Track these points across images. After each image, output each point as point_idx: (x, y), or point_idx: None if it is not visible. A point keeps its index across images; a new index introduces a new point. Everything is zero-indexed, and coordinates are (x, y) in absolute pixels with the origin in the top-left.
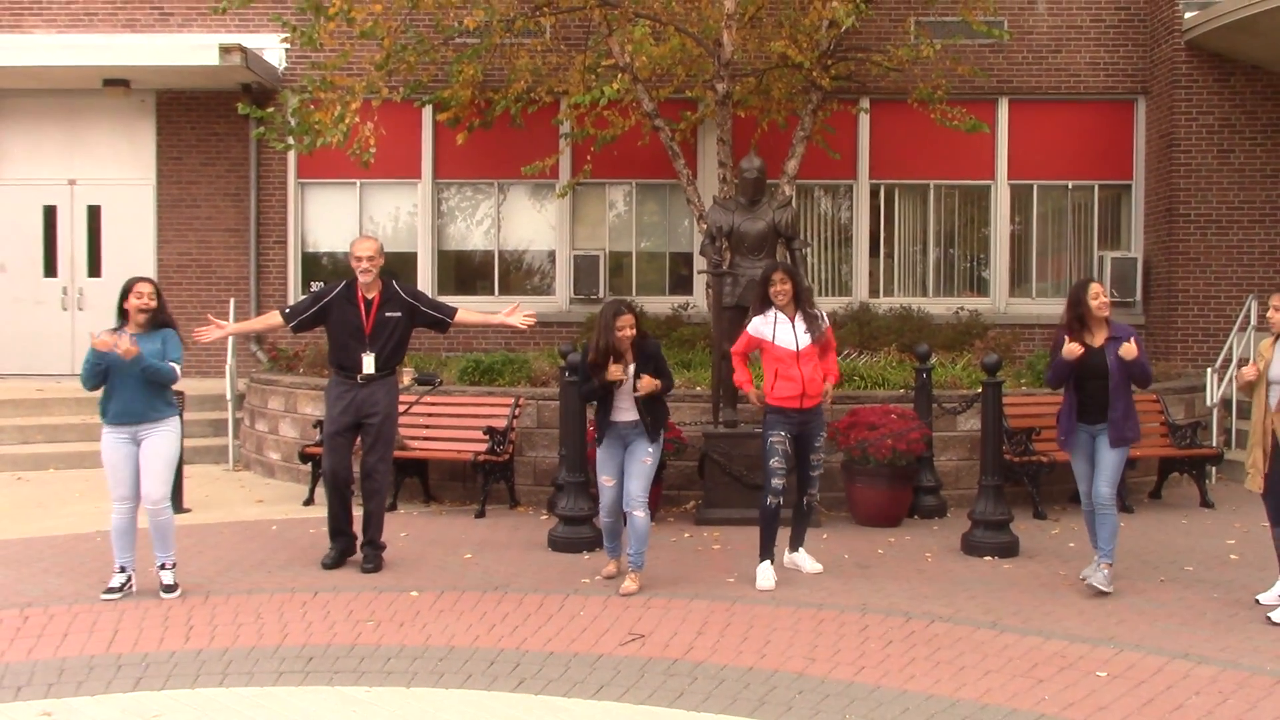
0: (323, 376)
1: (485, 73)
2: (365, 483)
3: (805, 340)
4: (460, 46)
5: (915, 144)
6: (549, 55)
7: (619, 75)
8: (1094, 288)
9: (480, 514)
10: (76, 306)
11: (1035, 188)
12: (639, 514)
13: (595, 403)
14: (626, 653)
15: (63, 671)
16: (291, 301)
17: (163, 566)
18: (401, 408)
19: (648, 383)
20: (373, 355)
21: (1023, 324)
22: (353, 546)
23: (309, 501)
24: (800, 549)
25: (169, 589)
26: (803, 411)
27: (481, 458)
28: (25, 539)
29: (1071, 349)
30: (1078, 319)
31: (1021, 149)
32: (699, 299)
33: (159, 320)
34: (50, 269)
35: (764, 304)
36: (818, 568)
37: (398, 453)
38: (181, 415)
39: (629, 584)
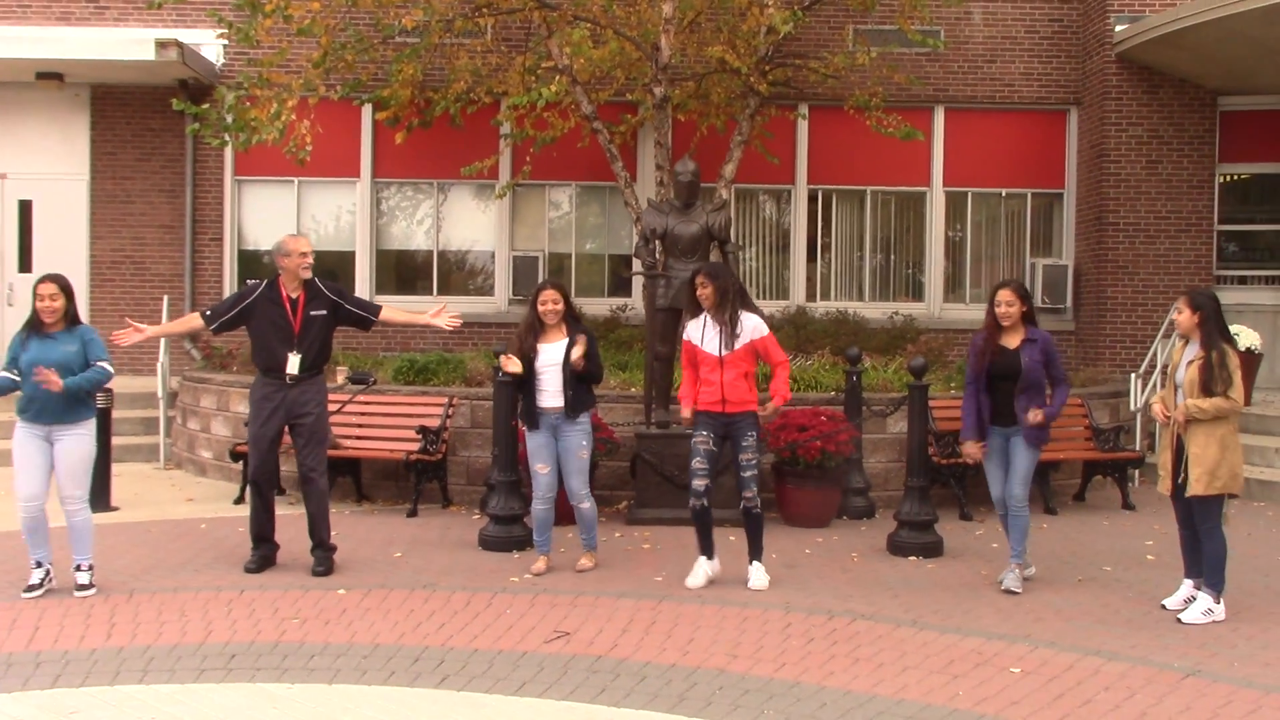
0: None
1: (425, 72)
2: (306, 486)
3: (730, 347)
4: (400, 45)
5: (853, 150)
6: (489, 56)
7: (558, 77)
8: (1002, 295)
9: (412, 513)
10: (6, 302)
11: (970, 195)
12: (585, 505)
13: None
14: (551, 650)
15: None
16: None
17: (78, 567)
18: (334, 406)
19: (580, 351)
20: (299, 356)
21: (956, 329)
22: (274, 554)
23: (240, 500)
24: (755, 561)
25: (84, 588)
26: (727, 415)
27: (414, 457)
28: None
29: (969, 453)
30: (989, 318)
31: (957, 157)
32: (637, 301)
33: (73, 318)
34: None
35: (695, 308)
36: (762, 584)
37: (331, 452)
38: (110, 413)
39: (585, 562)
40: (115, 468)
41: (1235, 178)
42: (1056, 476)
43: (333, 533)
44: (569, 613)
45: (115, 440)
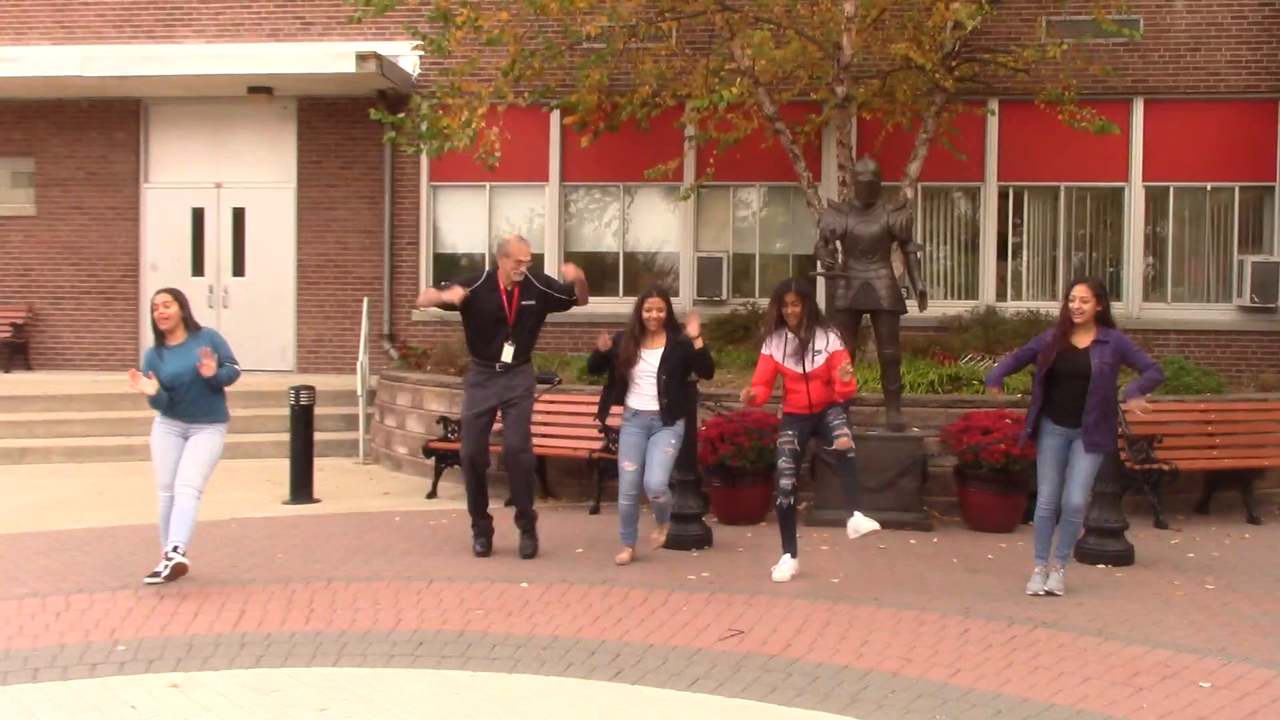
0: (448, 374)
1: (611, 77)
2: (512, 460)
3: (812, 363)
4: (586, 52)
5: (1046, 145)
6: (674, 59)
7: (739, 79)
8: (1077, 290)
9: (594, 510)
10: (222, 304)
11: (1171, 190)
12: (661, 499)
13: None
14: (725, 647)
15: (191, 648)
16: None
17: (174, 549)
18: None
19: (696, 329)
20: (513, 346)
21: (1156, 329)
22: (492, 526)
23: (432, 495)
24: (856, 513)
25: (155, 575)
26: (813, 414)
27: (596, 455)
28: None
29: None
30: (1061, 314)
31: (1157, 150)
32: (823, 302)
33: (192, 325)
34: (198, 268)
35: (777, 324)
36: (873, 525)
37: None
38: (311, 410)
39: (657, 535)
40: (317, 462)
41: None
42: (1261, 485)
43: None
44: (744, 611)
45: (317, 436)
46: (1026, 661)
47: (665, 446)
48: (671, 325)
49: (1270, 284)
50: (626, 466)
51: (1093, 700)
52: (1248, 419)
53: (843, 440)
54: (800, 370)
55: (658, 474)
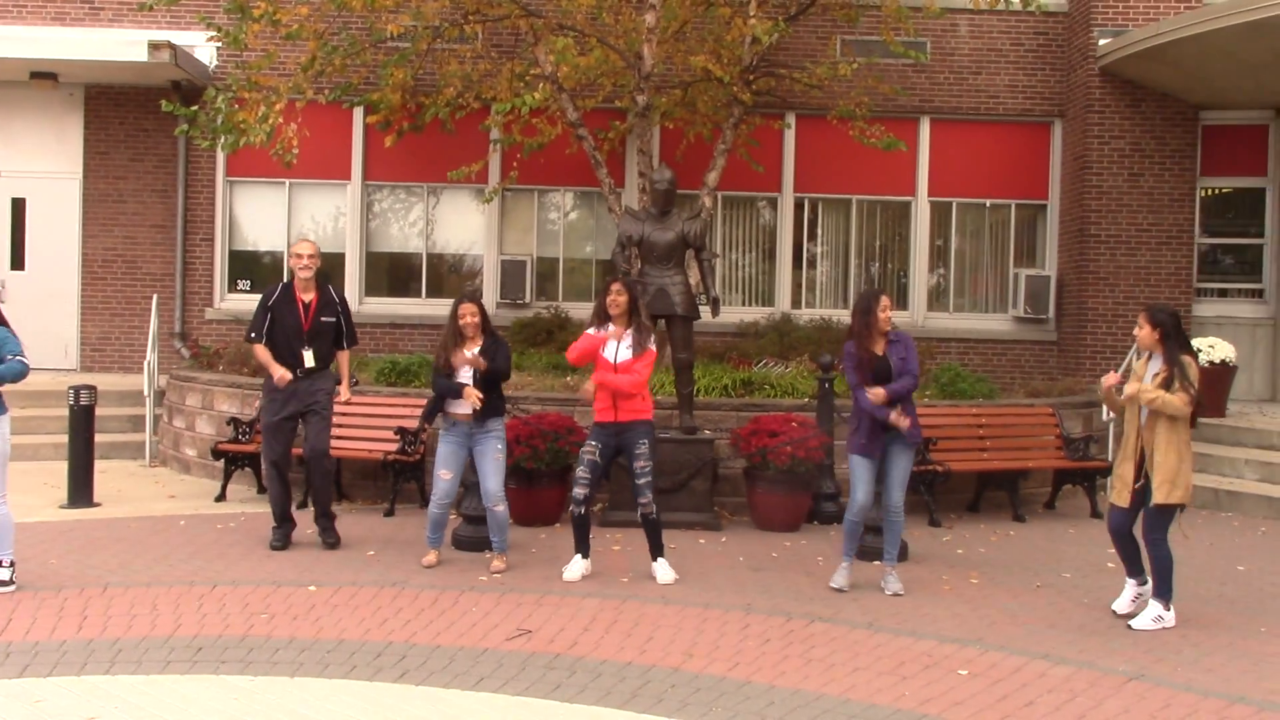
0: (240, 374)
1: (416, 77)
2: (315, 465)
3: (625, 355)
4: (391, 50)
5: (839, 159)
6: (480, 62)
7: (543, 84)
8: (885, 300)
9: (389, 513)
10: None
11: (954, 205)
12: (499, 509)
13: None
14: (512, 647)
15: None
16: (217, 298)
17: None
18: None
19: (469, 393)
20: (311, 351)
21: (939, 338)
22: (292, 531)
23: (221, 497)
24: (659, 558)
25: (2, 584)
26: (618, 424)
27: (392, 457)
28: None
29: (876, 394)
30: (865, 326)
31: (942, 167)
32: None
33: None
34: None
35: (602, 316)
36: (669, 579)
37: None
38: (93, 410)
39: (497, 564)
40: (100, 464)
41: (1216, 191)
42: (1026, 485)
43: (308, 530)
44: (534, 611)
45: (101, 437)
46: (801, 654)
47: (494, 454)
48: (486, 329)
49: (1042, 296)
50: (443, 475)
51: (860, 689)
52: (1016, 423)
53: (645, 506)
54: (612, 360)
55: (493, 481)
